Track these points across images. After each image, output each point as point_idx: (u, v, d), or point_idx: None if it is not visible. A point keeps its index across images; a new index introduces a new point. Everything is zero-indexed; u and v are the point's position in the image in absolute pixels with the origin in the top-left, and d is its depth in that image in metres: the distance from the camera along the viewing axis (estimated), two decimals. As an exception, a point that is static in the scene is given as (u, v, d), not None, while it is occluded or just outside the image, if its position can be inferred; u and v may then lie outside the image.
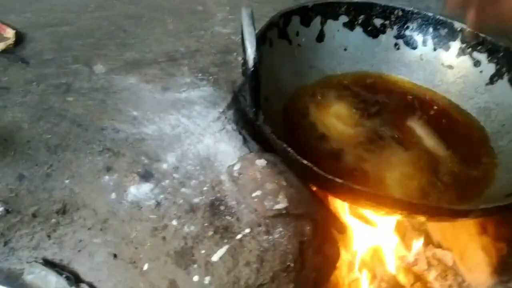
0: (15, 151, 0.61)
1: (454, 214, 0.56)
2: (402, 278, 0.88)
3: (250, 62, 0.55)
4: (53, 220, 0.63)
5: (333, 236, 0.63)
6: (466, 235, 0.85)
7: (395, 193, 0.65)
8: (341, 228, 0.63)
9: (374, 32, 0.87)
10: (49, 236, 0.64)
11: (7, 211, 0.61)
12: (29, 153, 0.62)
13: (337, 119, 0.75)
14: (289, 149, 0.57)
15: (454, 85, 0.84)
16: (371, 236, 0.88)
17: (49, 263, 0.65)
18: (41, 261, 0.65)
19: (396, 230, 0.96)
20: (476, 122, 0.79)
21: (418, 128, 0.76)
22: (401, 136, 0.74)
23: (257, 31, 0.73)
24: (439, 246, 0.93)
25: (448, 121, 0.80)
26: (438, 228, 0.94)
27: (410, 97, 0.83)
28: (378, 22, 0.86)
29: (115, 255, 0.62)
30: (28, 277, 0.65)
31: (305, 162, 0.56)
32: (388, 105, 0.81)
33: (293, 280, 0.57)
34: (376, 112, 0.79)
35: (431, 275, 0.88)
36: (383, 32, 0.87)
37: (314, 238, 0.59)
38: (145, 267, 0.58)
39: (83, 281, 0.64)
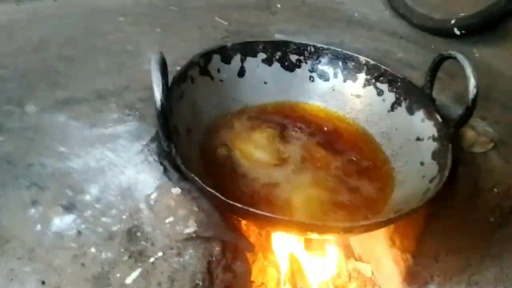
0: None
1: (341, 231, 0.63)
2: (326, 291, 0.96)
3: (158, 103, 0.62)
4: (-15, 252, 0.68)
5: (244, 254, 0.70)
6: (381, 248, 0.93)
7: (300, 214, 0.73)
8: (249, 247, 0.70)
9: (290, 67, 0.96)
10: (-19, 268, 0.69)
11: None
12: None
13: (252, 146, 0.83)
14: (196, 178, 0.64)
15: (362, 112, 0.93)
16: (295, 252, 0.95)
17: (-18, 293, 0.69)
18: (-26, 291, 0.69)
19: (319, 246, 1.04)
20: (379, 145, 0.88)
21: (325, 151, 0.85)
22: (310, 160, 0.83)
23: (180, 69, 0.81)
24: (359, 259, 1.01)
25: (356, 144, 0.88)
26: (358, 242, 1.02)
27: (322, 125, 0.92)
28: (293, 57, 0.95)
29: (43, 282, 0.67)
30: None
31: (210, 190, 0.63)
32: (302, 131, 0.89)
33: (205, 296, 0.63)
34: (290, 138, 0.87)
35: (352, 287, 0.96)
36: (299, 66, 0.96)
37: (222, 258, 0.66)
38: (68, 291, 0.64)
39: (14, 309, 0.68)
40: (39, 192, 0.68)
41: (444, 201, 0.80)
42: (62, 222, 0.66)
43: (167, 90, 0.73)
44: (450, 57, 0.78)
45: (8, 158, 0.71)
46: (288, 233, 0.69)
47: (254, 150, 0.83)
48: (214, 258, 0.65)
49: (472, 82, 0.72)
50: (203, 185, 0.63)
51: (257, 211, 0.59)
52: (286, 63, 0.95)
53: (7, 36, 0.93)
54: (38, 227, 0.66)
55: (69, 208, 0.67)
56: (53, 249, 0.65)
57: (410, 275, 0.88)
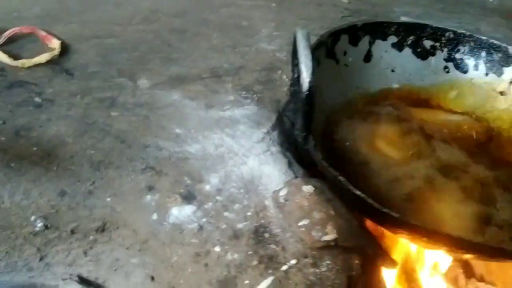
0: (58, 166, 0.60)
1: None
2: (445, 312, 0.84)
3: (305, 86, 0.53)
4: (91, 237, 0.62)
5: (382, 272, 0.60)
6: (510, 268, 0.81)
7: (452, 229, 0.62)
8: (391, 264, 0.60)
9: (423, 54, 0.84)
10: (85, 253, 0.63)
11: (45, 227, 0.60)
12: (71, 168, 0.61)
13: (384, 144, 0.72)
14: (341, 178, 0.54)
15: (506, 112, 0.80)
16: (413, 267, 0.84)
17: (84, 281, 0.64)
18: (76, 278, 0.63)
19: (438, 263, 0.92)
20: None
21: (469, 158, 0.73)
22: (453, 165, 0.71)
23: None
24: (481, 279, 0.89)
25: (504, 147, 0.76)
26: (482, 261, 0.90)
27: (459, 123, 0.80)
28: (428, 43, 0.83)
29: (152, 278, 0.60)
30: (63, 294, 0.63)
31: (358, 193, 0.53)
32: (436, 131, 0.78)
33: (342, 315, 0.54)
34: (425, 138, 0.75)
35: (475, 310, 0.84)
36: (433, 54, 0.84)
37: (363, 273, 0.56)
38: (184, 294, 0.56)
39: (118, 301, 0.62)
40: (155, 177, 0.62)
41: None
42: (181, 213, 0.59)
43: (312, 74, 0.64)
44: None
45: (122, 137, 0.65)
46: (442, 251, 0.59)
47: (379, 147, 0.72)
48: (354, 273, 0.55)
49: None
50: (351, 187, 0.53)
51: (423, 226, 0.49)
52: (418, 49, 0.83)
53: (116, 4, 0.87)
54: (154, 216, 0.59)
55: (188, 198, 0.60)
56: (170, 244, 0.58)
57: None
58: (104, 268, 0.63)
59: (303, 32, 0.55)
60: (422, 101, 0.83)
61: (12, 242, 0.61)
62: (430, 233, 0.51)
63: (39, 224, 0.60)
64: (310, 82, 0.53)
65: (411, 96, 0.83)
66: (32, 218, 0.59)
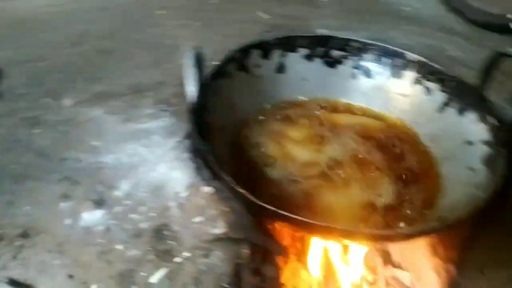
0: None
1: (377, 238, 0.59)
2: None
3: (190, 100, 0.60)
4: (18, 243, 0.68)
5: (274, 258, 0.67)
6: (422, 256, 0.88)
7: (338, 218, 0.69)
8: (281, 251, 0.67)
9: (332, 63, 0.91)
10: (14, 258, 0.69)
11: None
12: (-5, 181, 0.67)
13: (289, 145, 0.80)
14: (228, 179, 0.61)
15: (408, 113, 0.87)
16: (329, 256, 0.91)
17: (15, 283, 0.70)
18: (7, 280, 0.70)
19: (356, 251, 0.99)
20: (426, 148, 0.82)
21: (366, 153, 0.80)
22: (350, 161, 0.78)
23: (217, 64, 0.79)
24: (398, 266, 0.95)
25: (400, 146, 0.83)
26: (398, 249, 0.96)
27: (364, 124, 0.87)
28: (336, 53, 0.91)
29: (71, 276, 0.67)
30: (-6, 297, 0.69)
31: (243, 191, 0.60)
32: (342, 131, 0.85)
33: (232, 300, 0.61)
34: (329, 138, 0.83)
35: (390, 295, 0.91)
36: (341, 62, 0.91)
37: (251, 261, 0.63)
38: (93, 287, 0.63)
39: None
40: (71, 186, 0.68)
41: (495, 210, 0.73)
42: (91, 217, 0.65)
43: (202, 86, 0.71)
44: (507, 55, 0.72)
45: (42, 151, 0.71)
46: (322, 239, 0.66)
47: (290, 149, 0.79)
48: (242, 261, 0.62)
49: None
50: (236, 186, 0.60)
51: (289, 215, 0.56)
52: (327, 59, 0.91)
53: (49, 29, 0.94)
54: (68, 221, 0.66)
55: (99, 203, 0.67)
56: (81, 245, 0.64)
57: (452, 287, 0.83)
58: (32, 270, 0.69)
59: (190, 54, 0.63)
60: (333, 106, 0.91)
61: None
62: (303, 223, 0.59)
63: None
64: (193, 96, 0.60)
65: (322, 103, 0.90)
66: (-41, 227, 0.66)
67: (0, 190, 0.67)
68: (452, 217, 0.61)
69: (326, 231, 0.58)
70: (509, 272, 0.82)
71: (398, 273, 0.92)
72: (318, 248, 0.88)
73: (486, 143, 0.73)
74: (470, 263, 0.81)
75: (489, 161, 0.71)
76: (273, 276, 0.66)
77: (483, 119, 0.76)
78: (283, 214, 0.58)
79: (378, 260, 0.95)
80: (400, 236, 0.59)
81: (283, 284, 0.82)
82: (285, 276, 0.88)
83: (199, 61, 0.65)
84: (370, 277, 0.93)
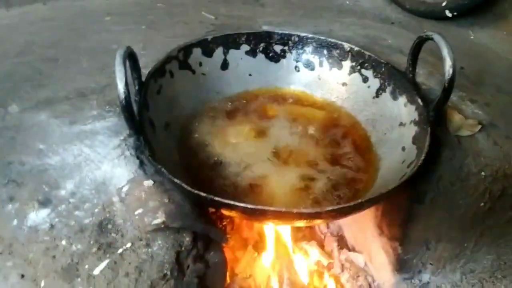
0: None
1: (307, 217, 0.62)
2: (317, 282, 0.95)
3: (121, 97, 0.63)
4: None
5: (218, 245, 0.70)
6: (371, 237, 0.92)
7: (279, 202, 0.72)
8: (222, 238, 0.70)
9: (275, 58, 0.95)
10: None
11: None
12: None
13: (231, 138, 0.83)
14: (163, 169, 0.64)
15: (348, 100, 0.91)
16: (284, 243, 0.95)
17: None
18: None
19: (313, 236, 1.03)
20: (364, 131, 0.86)
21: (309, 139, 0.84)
22: (292, 148, 0.82)
23: (156, 64, 0.82)
24: (353, 249, 0.99)
25: (341, 131, 0.87)
26: (351, 233, 1.01)
27: (307, 113, 0.91)
28: (278, 48, 0.95)
29: (22, 276, 0.69)
30: None
31: (175, 180, 0.63)
32: (285, 119, 0.89)
33: (175, 286, 0.64)
34: (272, 126, 0.86)
35: (344, 277, 0.95)
36: (284, 57, 0.95)
37: (193, 248, 0.66)
38: (42, 283, 0.65)
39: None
40: (16, 188, 0.70)
41: (429, 185, 0.78)
42: (37, 216, 0.68)
43: (141, 85, 0.74)
44: (428, 38, 0.76)
45: (-12, 157, 0.73)
46: (260, 222, 0.69)
47: (232, 142, 0.82)
48: (183, 249, 0.65)
49: (447, 63, 0.70)
50: (170, 176, 0.63)
51: (222, 200, 0.59)
52: (270, 54, 0.95)
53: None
54: (15, 222, 0.67)
55: (44, 203, 0.68)
56: (28, 243, 0.66)
57: (401, 264, 0.87)
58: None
59: (120, 51, 0.65)
60: (278, 97, 0.94)
61: None
62: (237, 208, 0.61)
63: None
64: (124, 93, 0.63)
65: (269, 95, 0.94)
66: None
67: None
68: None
69: (260, 213, 0.61)
70: (454, 246, 0.86)
71: (352, 255, 0.96)
72: (274, 236, 0.92)
73: (415, 123, 0.78)
74: (414, 240, 0.85)
75: (416, 139, 0.75)
76: (217, 261, 0.69)
77: (412, 101, 0.80)
78: (218, 201, 0.61)
79: (334, 245, 0.99)
80: (330, 213, 0.62)
81: (237, 274, 0.85)
82: (242, 265, 0.91)
83: (133, 60, 0.67)
84: (325, 262, 0.97)
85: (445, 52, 0.71)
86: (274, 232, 0.94)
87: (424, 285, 0.89)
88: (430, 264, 0.87)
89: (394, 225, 0.85)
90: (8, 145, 0.75)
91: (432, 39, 0.75)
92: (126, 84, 0.63)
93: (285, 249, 0.95)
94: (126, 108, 0.64)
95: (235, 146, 0.83)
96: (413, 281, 0.89)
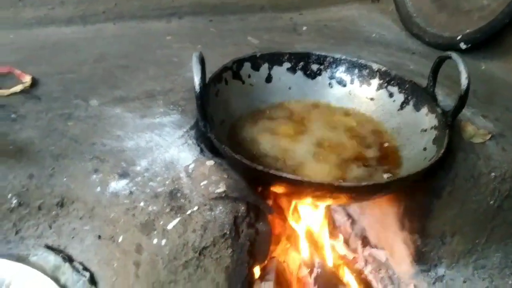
0: (28, 158, 0.82)
1: (345, 191, 0.75)
2: (342, 273, 1.06)
3: (196, 87, 0.78)
4: (54, 212, 0.83)
5: (266, 218, 0.82)
6: (393, 234, 1.03)
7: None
8: (269, 210, 0.83)
9: (312, 75, 1.10)
10: (50, 226, 0.84)
11: (19, 204, 0.81)
12: (37, 159, 0.83)
13: (277, 138, 0.96)
14: (225, 147, 0.78)
15: (376, 112, 1.05)
16: (316, 236, 1.06)
17: (49, 248, 0.84)
18: (43, 247, 0.84)
19: (338, 234, 1.14)
20: (390, 137, 1.00)
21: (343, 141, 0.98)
22: (328, 145, 0.95)
23: (215, 71, 0.97)
24: (375, 246, 1.11)
25: (369, 136, 1.00)
26: (374, 232, 1.12)
27: (340, 120, 1.05)
28: (314, 67, 1.10)
29: (99, 237, 0.82)
30: (32, 258, 0.84)
31: (236, 156, 0.77)
32: (321, 125, 1.03)
33: (230, 245, 0.76)
34: (309, 131, 1.00)
35: (367, 270, 1.05)
36: (319, 74, 1.10)
37: (247, 216, 0.78)
38: (120, 239, 0.78)
39: (75, 261, 0.83)
40: (99, 163, 0.83)
41: (446, 180, 0.90)
42: (118, 185, 0.81)
43: (204, 82, 0.89)
44: (447, 57, 0.91)
45: (75, 138, 0.87)
46: (304, 197, 0.81)
47: (275, 139, 0.96)
48: (239, 215, 0.77)
49: (463, 75, 0.84)
50: (231, 152, 0.77)
51: (276, 173, 0.72)
52: (308, 72, 1.10)
53: (75, 51, 1.13)
54: (98, 189, 0.81)
55: (123, 175, 0.82)
56: (109, 206, 0.79)
57: (419, 256, 0.98)
58: (65, 237, 0.84)
59: (197, 54, 0.81)
60: (316, 108, 1.09)
61: (-7, 217, 0.82)
62: (287, 180, 0.75)
63: (14, 201, 0.81)
64: (199, 85, 0.78)
65: (306, 105, 1.08)
66: (9, 196, 0.81)
67: (42, 165, 0.82)
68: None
69: (307, 186, 0.74)
70: (466, 241, 0.98)
71: (375, 252, 1.08)
72: (302, 230, 1.04)
73: (435, 128, 0.91)
74: (431, 233, 0.97)
75: (436, 140, 0.89)
76: (265, 230, 0.81)
77: (433, 111, 0.94)
78: (272, 174, 0.74)
79: (358, 243, 1.11)
80: (368, 188, 0.74)
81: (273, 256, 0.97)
82: (277, 252, 1.02)
83: (202, 61, 0.82)
84: (350, 256, 1.08)
85: (461, 67, 0.85)
86: (305, 227, 1.07)
87: (439, 278, 0.99)
88: (445, 258, 0.98)
89: (414, 220, 0.96)
90: (91, 130, 0.90)
91: (450, 57, 0.89)
92: (201, 78, 0.78)
93: (314, 243, 1.06)
94: (200, 97, 0.78)
95: (277, 142, 0.96)
96: (429, 273, 1.00)
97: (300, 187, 0.75)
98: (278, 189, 0.80)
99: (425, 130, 0.94)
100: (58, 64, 1.07)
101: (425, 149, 0.91)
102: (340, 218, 1.20)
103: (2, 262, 0.78)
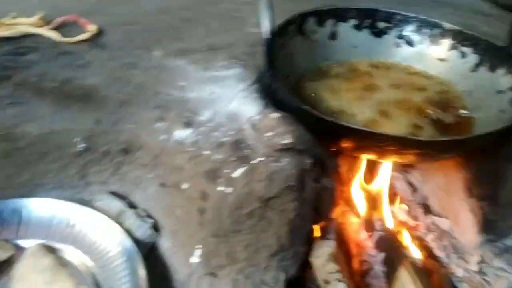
0: (94, 103, 0.83)
1: (423, 145, 0.72)
2: (402, 237, 1.02)
3: (265, 34, 0.75)
4: (118, 159, 0.83)
5: (331, 174, 0.80)
6: (458, 201, 0.99)
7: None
8: (335, 165, 0.80)
9: (378, 33, 1.05)
10: (114, 173, 0.84)
11: (85, 149, 0.82)
12: (103, 105, 0.83)
13: (342, 95, 0.93)
14: (294, 98, 0.76)
15: (446, 73, 1.00)
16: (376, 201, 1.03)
17: (113, 194, 0.85)
18: (107, 193, 0.85)
19: (398, 201, 1.11)
20: (462, 100, 0.94)
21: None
22: (397, 104, 0.91)
23: (279, 24, 0.94)
24: (438, 215, 1.07)
25: (440, 97, 0.95)
26: (437, 200, 1.08)
27: (409, 80, 1.00)
28: (382, 25, 1.05)
29: (163, 184, 0.81)
30: (97, 203, 0.85)
31: (305, 107, 0.74)
32: (387, 81, 0.98)
33: (295, 199, 0.74)
34: (378, 88, 0.96)
35: (429, 238, 1.02)
36: (386, 33, 1.05)
37: (312, 170, 0.76)
38: (184, 187, 0.77)
39: (138, 208, 0.83)
40: (164, 112, 0.83)
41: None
42: (182, 133, 0.80)
43: (268, 40, 0.86)
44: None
45: (139, 87, 0.87)
46: (369, 153, 0.78)
47: (341, 95, 0.92)
48: (305, 168, 0.75)
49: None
50: (300, 103, 0.74)
51: (347, 124, 0.70)
52: (374, 30, 1.05)
53: (139, 2, 1.13)
54: (163, 137, 0.80)
55: (188, 124, 0.81)
56: (174, 153, 0.79)
57: (486, 225, 0.93)
58: (128, 184, 0.84)
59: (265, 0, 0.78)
60: (382, 68, 1.04)
61: (61, 161, 0.84)
62: (368, 134, 0.72)
63: (81, 146, 0.82)
64: (268, 30, 0.75)
65: (371, 64, 1.04)
66: (76, 140, 0.82)
67: (108, 112, 0.83)
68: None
69: (380, 139, 0.71)
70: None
71: (438, 220, 1.04)
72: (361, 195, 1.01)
73: (512, 88, 0.86)
74: (502, 201, 0.92)
75: (515, 101, 0.83)
76: (329, 186, 0.79)
77: (511, 71, 0.88)
78: (344, 126, 0.72)
79: (419, 211, 1.07)
80: (445, 144, 0.71)
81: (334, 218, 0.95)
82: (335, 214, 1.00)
83: (271, 6, 0.79)
84: (412, 223, 1.05)
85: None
86: (366, 190, 1.04)
87: (507, 249, 0.94)
88: (515, 228, 0.93)
89: (484, 186, 0.92)
90: (154, 80, 0.89)
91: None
92: (270, 23, 0.75)
93: (374, 207, 1.03)
94: (268, 44, 0.76)
95: (342, 100, 0.93)
96: (496, 244, 0.95)
97: (372, 140, 0.72)
98: (347, 143, 0.77)
99: (502, 92, 0.88)
100: (123, 14, 1.07)
101: (501, 111, 0.85)
102: (400, 186, 1.16)
103: (66, 204, 0.79)
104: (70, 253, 0.74)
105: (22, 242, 0.75)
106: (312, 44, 1.01)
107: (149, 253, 0.75)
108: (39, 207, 0.77)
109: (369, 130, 0.70)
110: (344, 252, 0.89)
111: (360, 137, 0.73)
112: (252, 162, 0.74)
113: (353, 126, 0.71)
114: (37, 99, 0.82)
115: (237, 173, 0.73)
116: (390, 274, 0.87)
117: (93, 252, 0.74)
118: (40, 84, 0.85)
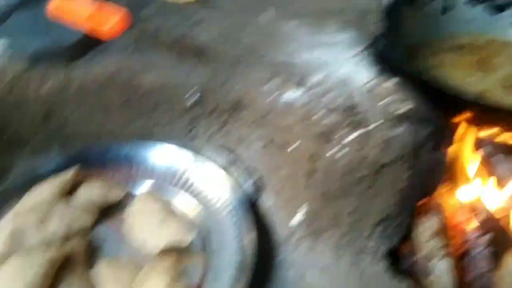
0: (208, 60, 0.84)
1: None
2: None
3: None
4: (226, 116, 0.85)
5: (445, 148, 0.76)
6: None
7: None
8: (452, 139, 0.76)
9: (496, 9, 0.98)
10: (220, 129, 0.86)
11: (195, 104, 0.84)
12: (215, 63, 0.84)
13: (453, 66, 0.88)
14: (415, 67, 0.72)
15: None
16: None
17: (220, 148, 0.85)
18: (212, 149, 0.86)
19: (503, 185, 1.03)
20: None
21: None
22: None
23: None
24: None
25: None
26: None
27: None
28: (499, 1, 0.98)
29: (269, 144, 0.81)
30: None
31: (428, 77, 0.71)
32: (505, 57, 0.92)
33: (410, 167, 0.71)
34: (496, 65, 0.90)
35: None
36: (502, 10, 0.98)
37: (428, 141, 0.73)
38: (291, 148, 0.77)
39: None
40: (273, 73, 0.82)
41: None
42: (292, 95, 0.79)
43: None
44: None
45: (249, 47, 0.87)
46: (491, 127, 0.74)
47: (455, 71, 0.88)
48: (421, 138, 0.72)
49: None
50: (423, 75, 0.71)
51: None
52: (491, 5, 0.98)
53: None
54: (272, 97, 0.80)
55: (298, 86, 0.80)
56: (283, 114, 0.78)
57: None
58: (233, 141, 0.85)
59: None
60: (500, 45, 0.98)
61: (171, 113, 0.86)
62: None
63: (192, 101, 0.83)
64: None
65: (485, 40, 0.98)
66: (188, 95, 0.83)
67: (218, 71, 0.83)
68: None
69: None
70: None
71: None
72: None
73: None
74: None
75: None
76: (442, 161, 0.75)
77: None
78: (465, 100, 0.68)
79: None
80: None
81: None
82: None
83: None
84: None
85: None
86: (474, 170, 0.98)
87: None
88: None
89: None
90: (265, 41, 0.89)
91: None
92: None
93: (479, 188, 0.97)
94: (389, 8, 0.73)
95: (458, 74, 0.88)
96: None
97: (497, 113, 0.68)
98: (468, 115, 0.73)
99: None
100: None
101: None
102: (503, 171, 1.08)
103: (179, 151, 0.81)
104: (180, 199, 0.77)
105: (133, 186, 0.78)
106: (422, 17, 0.97)
107: (251, 209, 0.76)
108: (153, 152, 0.80)
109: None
110: (447, 229, 0.85)
111: (482, 109, 0.68)
112: (366, 127, 0.72)
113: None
114: (155, 52, 0.84)
115: (350, 138, 0.71)
116: (497, 256, 0.82)
117: (202, 200, 0.75)
118: (156, 38, 0.87)
